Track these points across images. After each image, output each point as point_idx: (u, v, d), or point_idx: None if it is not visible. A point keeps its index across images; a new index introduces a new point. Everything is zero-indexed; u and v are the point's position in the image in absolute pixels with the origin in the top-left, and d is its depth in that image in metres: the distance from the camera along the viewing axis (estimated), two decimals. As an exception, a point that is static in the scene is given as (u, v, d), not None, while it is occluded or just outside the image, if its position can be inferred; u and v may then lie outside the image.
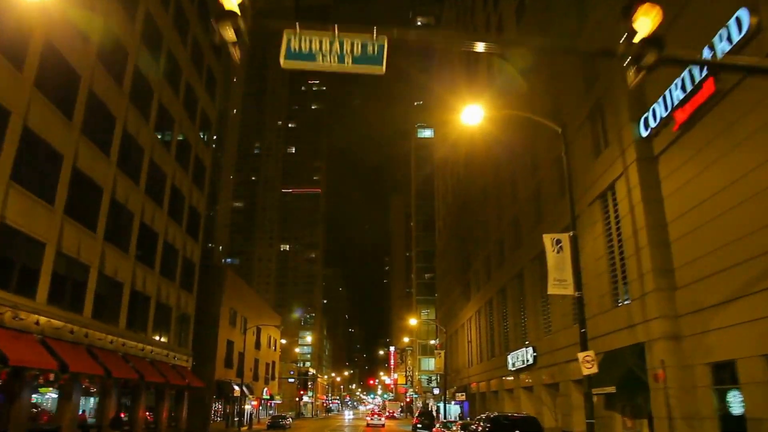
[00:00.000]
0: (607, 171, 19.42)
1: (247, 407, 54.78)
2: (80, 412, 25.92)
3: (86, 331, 23.16)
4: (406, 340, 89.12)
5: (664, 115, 16.13)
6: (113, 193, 26.44)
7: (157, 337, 32.29)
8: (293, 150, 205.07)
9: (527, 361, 27.40)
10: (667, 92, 15.91)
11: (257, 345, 59.24)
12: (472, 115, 17.30)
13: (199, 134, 40.38)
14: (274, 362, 70.04)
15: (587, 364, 15.00)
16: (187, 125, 37.67)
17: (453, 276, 55.53)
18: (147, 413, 32.50)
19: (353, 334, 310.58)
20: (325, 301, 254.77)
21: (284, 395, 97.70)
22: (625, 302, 18.03)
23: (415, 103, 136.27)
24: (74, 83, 22.63)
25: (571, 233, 16.55)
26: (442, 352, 45.49)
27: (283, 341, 79.04)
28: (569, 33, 24.38)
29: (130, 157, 28.64)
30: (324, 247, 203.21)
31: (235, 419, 49.90)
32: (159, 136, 32.57)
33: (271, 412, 69.49)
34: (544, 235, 16.81)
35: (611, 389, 16.37)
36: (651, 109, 16.79)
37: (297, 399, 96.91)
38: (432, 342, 75.00)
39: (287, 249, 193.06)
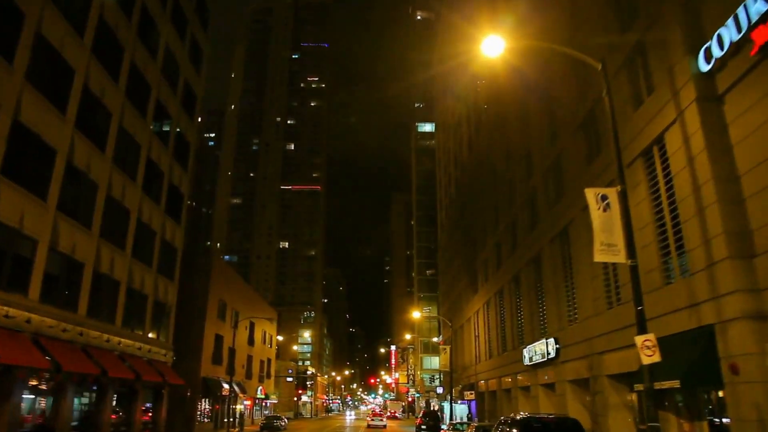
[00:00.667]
0: (652, 122, 15.87)
1: (239, 407, 51.30)
2: (39, 414, 22.51)
3: (30, 317, 19.63)
4: (407, 337, 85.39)
5: (737, 38, 12.55)
6: (69, 157, 22.92)
7: (128, 328, 28.78)
8: (292, 147, 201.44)
9: (548, 354, 23.86)
10: (740, 9, 12.40)
11: (250, 341, 55.74)
12: (493, 46, 13.85)
13: (182, 107, 36.85)
14: (269, 359, 66.56)
15: (647, 351, 11.50)
16: (167, 95, 34.17)
17: (457, 268, 52.02)
18: (122, 414, 29.13)
19: (354, 334, 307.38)
20: (325, 300, 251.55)
21: (282, 395, 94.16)
22: (683, 277, 14.49)
23: (416, 105, 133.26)
24: (16, 21, 19.12)
25: (619, 187, 13.10)
26: (448, 348, 41.97)
27: (280, 338, 75.50)
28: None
29: (94, 118, 25.12)
30: (324, 244, 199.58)
31: (225, 420, 46.45)
32: (131, 102, 29.04)
33: (266, 412, 65.98)
34: (587, 190, 13.29)
35: (673, 384, 12.82)
36: (715, 36, 13.21)
37: (295, 399, 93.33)
38: (435, 339, 71.44)
39: (286, 246, 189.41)
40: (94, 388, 25.91)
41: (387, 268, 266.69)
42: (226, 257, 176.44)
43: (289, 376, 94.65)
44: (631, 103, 17.53)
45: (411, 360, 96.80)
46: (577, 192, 21.41)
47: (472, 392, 36.92)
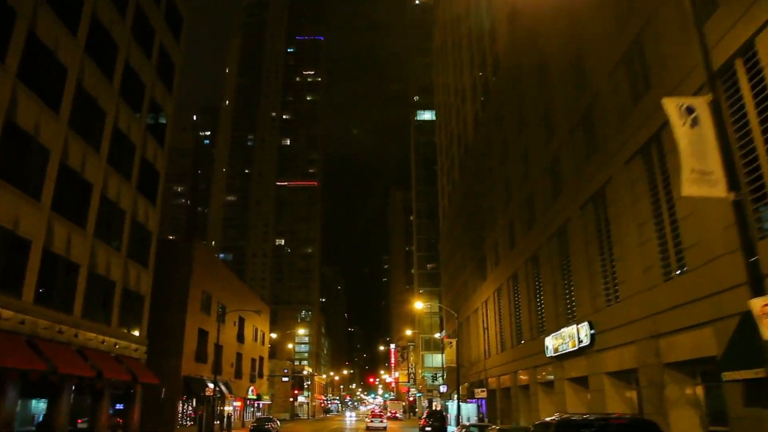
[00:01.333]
0: (731, 31, 12.24)
1: (228, 408, 47.55)
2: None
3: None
4: (408, 333, 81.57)
5: None
6: (11, 113, 19.19)
7: (90, 319, 25.01)
8: (288, 142, 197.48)
9: (579, 342, 20.17)
10: None
11: (240, 337, 51.95)
12: None
13: (157, 75, 33.10)
14: (261, 358, 62.77)
15: (776, 318, 7.79)
16: (139, 60, 30.42)
17: (462, 257, 48.37)
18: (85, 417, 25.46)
19: (353, 334, 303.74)
20: (323, 300, 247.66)
21: (277, 395, 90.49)
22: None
23: (415, 98, 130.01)
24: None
25: (709, 97, 9.52)
26: (454, 342, 38.26)
27: (274, 336, 71.75)
28: None
29: (44, 73, 21.41)
30: (321, 242, 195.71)
31: (216, 422, 42.78)
32: (93, 60, 25.30)
33: (259, 414, 62.27)
34: (667, 100, 9.62)
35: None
36: None
37: (291, 399, 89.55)
38: (437, 335, 67.82)
39: (282, 244, 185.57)
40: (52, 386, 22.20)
41: (386, 266, 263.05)
42: (221, 255, 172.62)
43: (285, 376, 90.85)
44: (697, 20, 13.82)
45: (411, 358, 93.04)
46: (615, 145, 17.75)
47: (484, 389, 33.20)
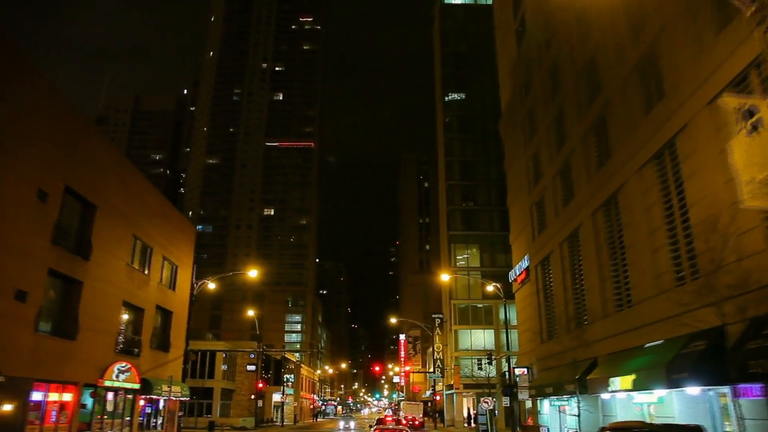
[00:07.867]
0: None
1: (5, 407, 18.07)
2: None
3: None
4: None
5: None
6: None
7: None
8: (280, 96, 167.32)
9: None
10: None
11: (78, 247, 22.41)
12: None
13: None
14: (170, 313, 33.15)
15: None
16: None
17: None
18: None
19: (357, 333, 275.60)
20: (324, 291, 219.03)
21: (240, 391, 61.34)
22: None
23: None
24: None
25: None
26: None
27: (213, 285, 41.77)
28: None
29: None
30: (318, 211, 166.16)
31: None
32: None
33: (182, 415, 32.77)
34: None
35: None
36: None
37: (252, 397, 59.95)
38: (490, 288, 38.40)
39: (272, 214, 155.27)
40: None
41: (393, 259, 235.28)
42: (199, 227, 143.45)
43: (251, 363, 61.38)
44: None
45: (437, 338, 63.11)
46: None
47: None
